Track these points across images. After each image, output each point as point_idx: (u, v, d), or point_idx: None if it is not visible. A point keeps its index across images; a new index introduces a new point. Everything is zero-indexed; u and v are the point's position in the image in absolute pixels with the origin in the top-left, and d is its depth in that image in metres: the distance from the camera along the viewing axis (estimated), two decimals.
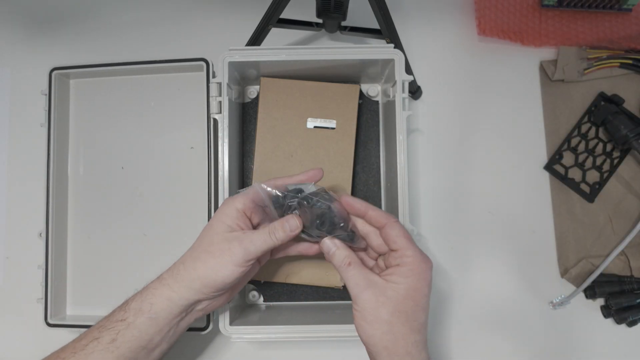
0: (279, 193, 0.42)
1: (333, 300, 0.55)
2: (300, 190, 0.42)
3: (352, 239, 0.42)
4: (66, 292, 0.57)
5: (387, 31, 0.50)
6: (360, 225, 0.43)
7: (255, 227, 0.43)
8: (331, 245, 0.41)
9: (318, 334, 0.48)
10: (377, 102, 0.57)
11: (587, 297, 0.56)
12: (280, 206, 0.42)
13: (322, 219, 0.42)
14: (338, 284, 0.54)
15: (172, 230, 0.57)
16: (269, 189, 0.42)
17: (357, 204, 0.42)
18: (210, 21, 0.63)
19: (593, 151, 0.59)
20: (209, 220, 0.51)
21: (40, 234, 0.55)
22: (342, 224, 0.42)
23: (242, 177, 0.56)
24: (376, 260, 0.44)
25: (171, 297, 0.41)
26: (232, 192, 0.50)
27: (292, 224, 0.42)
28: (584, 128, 0.59)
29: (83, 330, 0.54)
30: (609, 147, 0.58)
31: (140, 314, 0.41)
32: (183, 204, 0.57)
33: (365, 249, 0.44)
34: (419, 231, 0.58)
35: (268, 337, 0.48)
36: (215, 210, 0.51)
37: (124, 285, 0.56)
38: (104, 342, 0.40)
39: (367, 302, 0.38)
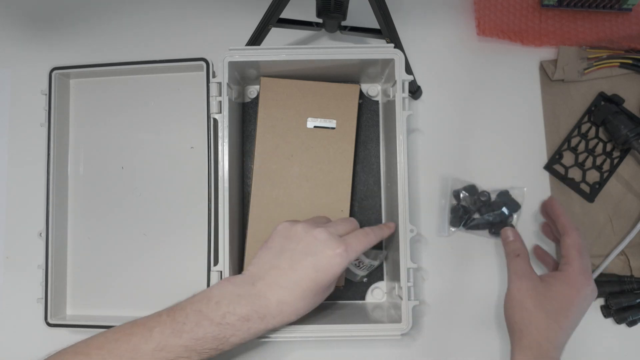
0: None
1: (334, 300, 0.55)
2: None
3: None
4: (66, 292, 0.57)
5: (387, 31, 0.50)
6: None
7: None
8: (510, 234, 0.50)
9: (318, 334, 0.48)
10: (377, 102, 0.57)
11: None
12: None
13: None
14: (338, 283, 0.54)
15: (172, 231, 0.57)
16: None
17: (557, 209, 0.49)
18: (210, 21, 0.63)
19: (593, 151, 0.59)
20: (209, 220, 0.51)
21: (40, 234, 0.55)
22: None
23: (242, 177, 0.56)
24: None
25: (259, 332, 0.43)
26: (232, 192, 0.50)
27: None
28: (584, 128, 0.59)
29: (83, 329, 0.54)
30: (609, 147, 0.58)
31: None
32: (183, 204, 0.57)
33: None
34: (419, 231, 0.58)
35: (268, 337, 0.48)
36: (214, 213, 0.51)
37: (124, 285, 0.57)
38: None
39: (515, 291, 0.45)
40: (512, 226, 0.55)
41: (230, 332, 0.41)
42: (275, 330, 0.45)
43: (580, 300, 0.42)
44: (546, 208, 0.51)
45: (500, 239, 0.52)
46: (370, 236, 0.45)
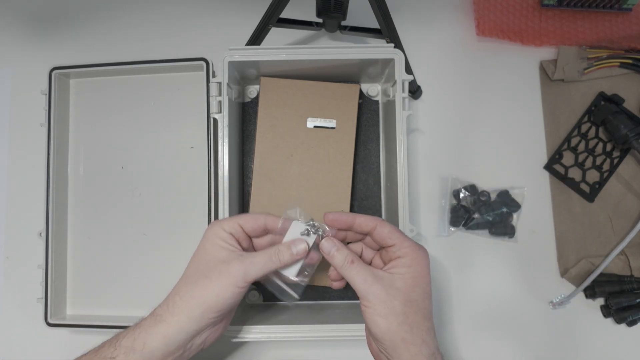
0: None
1: (333, 300, 0.55)
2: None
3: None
4: (66, 292, 0.57)
5: (387, 31, 0.50)
6: (349, 235, 0.44)
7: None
8: (331, 245, 0.41)
9: (318, 334, 0.48)
10: (377, 101, 0.57)
11: (587, 296, 0.56)
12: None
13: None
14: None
15: (172, 230, 0.57)
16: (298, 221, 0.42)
17: (344, 217, 0.42)
18: (210, 21, 0.63)
19: (593, 151, 0.59)
20: (209, 219, 0.52)
21: (40, 233, 0.55)
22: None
23: (242, 177, 0.56)
24: (370, 263, 0.44)
25: (167, 333, 0.39)
26: (232, 192, 0.50)
27: (299, 247, 0.41)
28: (584, 128, 0.59)
29: (83, 329, 0.54)
30: (608, 146, 0.58)
31: (131, 352, 0.38)
32: (183, 204, 0.57)
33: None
34: (419, 231, 0.58)
35: (268, 337, 0.48)
36: (214, 213, 0.52)
37: (124, 285, 0.57)
38: None
39: (378, 296, 0.38)
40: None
41: (122, 333, 0.40)
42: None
43: (429, 271, 0.40)
44: (335, 224, 0.42)
45: (325, 254, 0.41)
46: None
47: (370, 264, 0.44)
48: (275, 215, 0.42)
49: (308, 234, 0.41)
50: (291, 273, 0.42)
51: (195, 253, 0.42)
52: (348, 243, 0.44)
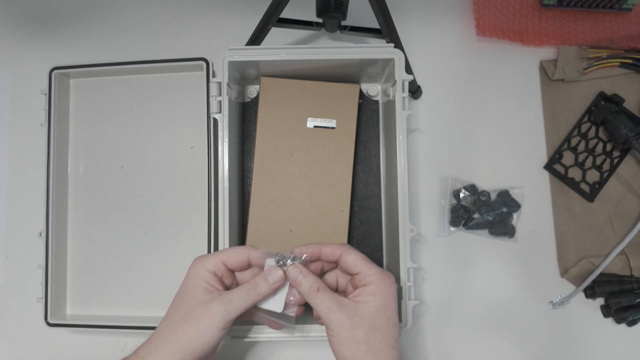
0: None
1: None
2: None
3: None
4: (66, 292, 0.57)
5: (387, 31, 0.50)
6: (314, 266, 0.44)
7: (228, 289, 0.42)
8: (297, 272, 0.41)
9: (318, 334, 0.48)
10: (377, 101, 0.57)
11: (587, 296, 0.56)
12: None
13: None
14: None
15: (172, 230, 0.57)
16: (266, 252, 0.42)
17: (310, 248, 0.43)
18: (210, 21, 0.63)
19: (593, 151, 0.59)
20: (209, 219, 0.52)
21: (40, 233, 0.55)
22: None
23: (242, 177, 0.56)
24: (345, 290, 0.45)
25: None
26: (232, 192, 0.50)
27: (275, 276, 0.41)
28: (584, 128, 0.59)
29: (83, 329, 0.54)
30: (609, 146, 0.58)
31: None
32: (183, 204, 0.57)
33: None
34: (419, 231, 0.58)
35: (268, 337, 0.48)
36: (214, 212, 0.52)
37: (123, 285, 0.57)
38: None
39: (342, 325, 0.38)
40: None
41: None
42: None
43: (395, 299, 0.41)
44: (309, 256, 0.43)
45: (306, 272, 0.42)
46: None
47: (345, 290, 0.44)
48: (257, 249, 0.43)
49: (284, 265, 0.42)
50: (277, 307, 0.42)
51: (177, 293, 0.42)
52: (325, 272, 0.45)
